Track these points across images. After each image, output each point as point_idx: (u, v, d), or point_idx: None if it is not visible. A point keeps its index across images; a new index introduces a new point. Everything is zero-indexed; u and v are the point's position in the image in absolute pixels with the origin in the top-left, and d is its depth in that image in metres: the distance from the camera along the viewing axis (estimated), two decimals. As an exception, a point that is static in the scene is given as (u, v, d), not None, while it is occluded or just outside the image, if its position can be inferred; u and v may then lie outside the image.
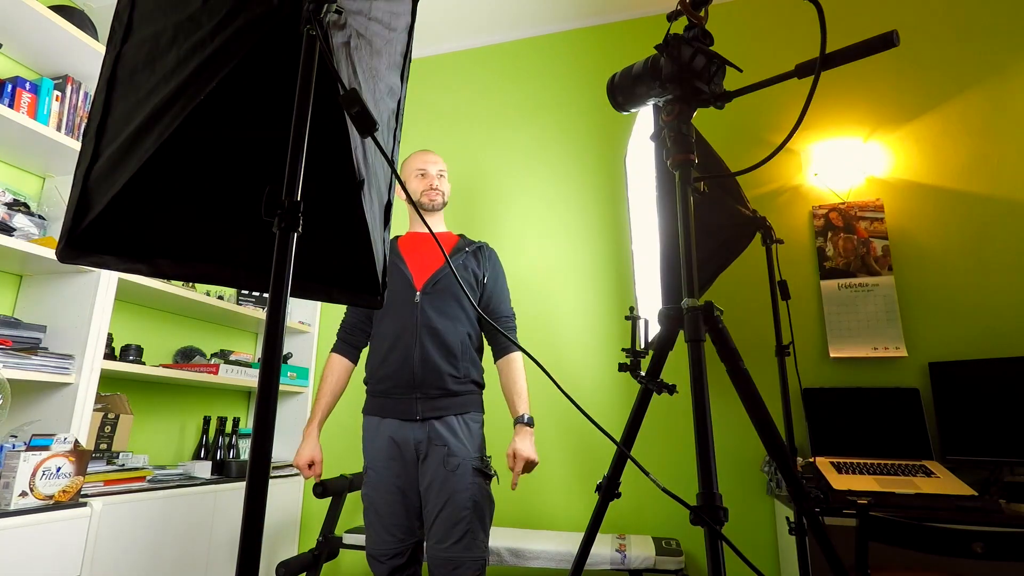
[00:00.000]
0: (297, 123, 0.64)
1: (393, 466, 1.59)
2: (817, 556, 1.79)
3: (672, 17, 0.94)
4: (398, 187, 1.80)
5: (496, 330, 1.65)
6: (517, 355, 1.72)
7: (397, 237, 1.86)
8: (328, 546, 2.15)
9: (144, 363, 2.19)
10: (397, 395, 1.61)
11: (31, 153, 2.03)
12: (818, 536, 0.87)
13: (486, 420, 1.74)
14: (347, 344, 1.81)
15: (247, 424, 2.83)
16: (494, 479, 1.63)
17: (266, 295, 2.88)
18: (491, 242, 2.75)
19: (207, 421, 2.49)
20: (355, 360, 1.82)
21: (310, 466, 1.64)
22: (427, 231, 1.79)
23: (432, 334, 1.62)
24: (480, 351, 1.74)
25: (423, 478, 1.58)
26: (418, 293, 1.66)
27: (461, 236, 1.86)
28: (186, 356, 2.54)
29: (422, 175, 1.81)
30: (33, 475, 1.58)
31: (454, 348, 1.63)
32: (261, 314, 2.67)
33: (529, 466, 1.59)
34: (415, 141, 3.06)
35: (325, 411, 1.71)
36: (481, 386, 1.72)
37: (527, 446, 1.59)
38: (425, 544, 1.57)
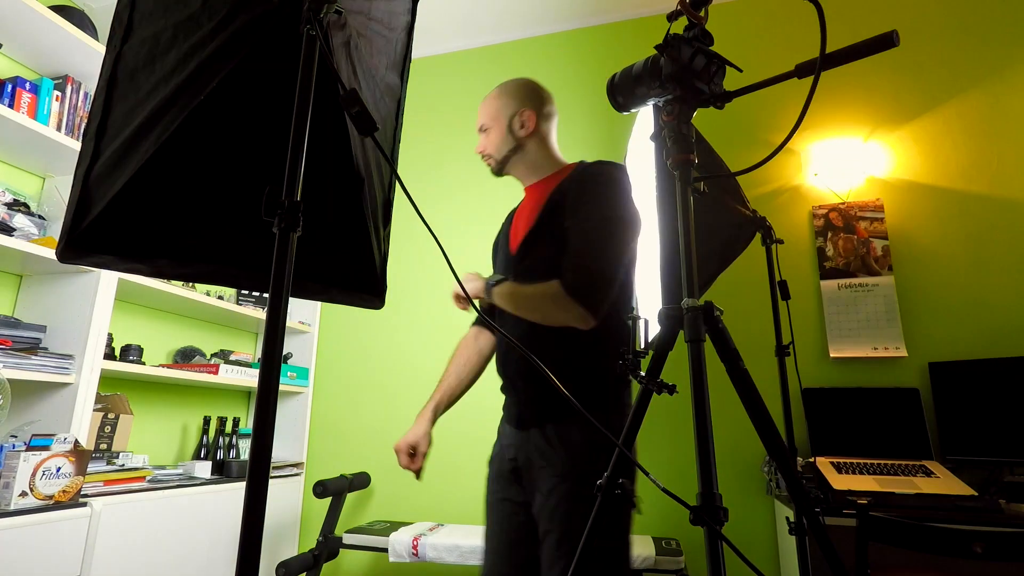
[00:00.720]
0: (297, 123, 0.64)
1: (498, 481, 1.31)
2: (817, 556, 1.79)
3: (672, 17, 0.94)
4: None
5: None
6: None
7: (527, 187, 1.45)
8: (328, 546, 2.15)
9: (144, 363, 2.19)
10: (506, 395, 1.34)
11: (31, 153, 2.03)
12: (818, 536, 0.87)
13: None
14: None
15: (247, 424, 2.83)
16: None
17: (266, 295, 2.88)
18: (490, 242, 2.74)
19: (207, 421, 2.49)
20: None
21: (411, 455, 1.28)
22: (534, 179, 1.40)
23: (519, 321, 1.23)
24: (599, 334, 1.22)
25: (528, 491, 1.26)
26: (512, 256, 1.34)
27: (575, 167, 1.34)
28: (186, 356, 2.53)
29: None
30: (33, 475, 1.58)
31: (551, 337, 1.21)
32: (261, 314, 2.67)
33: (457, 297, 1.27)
34: (415, 141, 3.06)
35: (444, 393, 1.36)
36: (598, 377, 1.25)
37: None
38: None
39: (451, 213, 2.88)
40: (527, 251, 1.30)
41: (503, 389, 1.35)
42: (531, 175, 1.40)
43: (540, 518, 1.20)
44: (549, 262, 1.21)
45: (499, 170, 1.43)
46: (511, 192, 2.82)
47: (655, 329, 0.96)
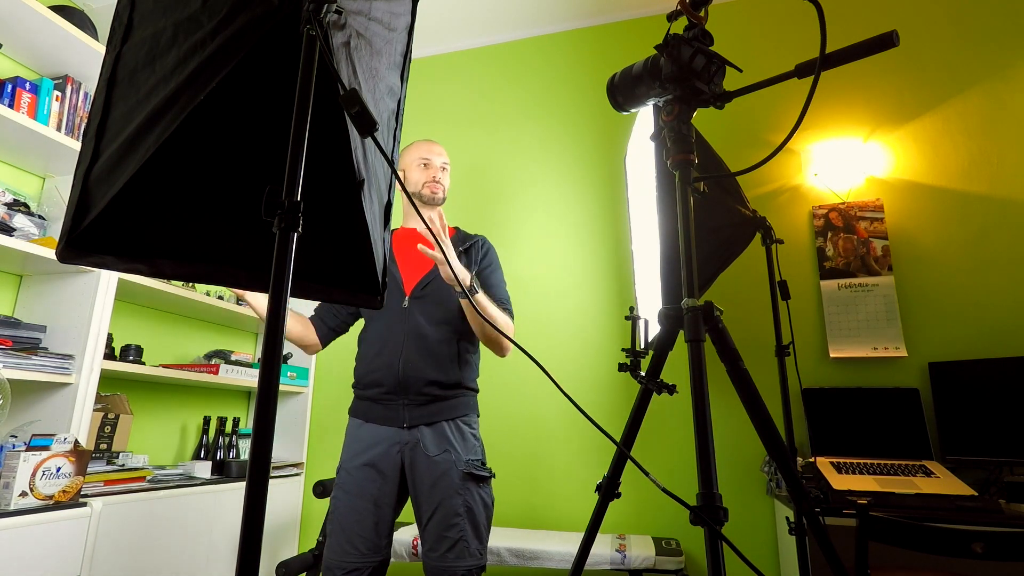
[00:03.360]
0: (297, 123, 0.64)
1: (370, 474, 1.49)
2: (817, 556, 1.79)
3: (672, 17, 0.94)
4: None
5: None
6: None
7: (391, 231, 1.79)
8: (328, 546, 2.15)
9: (144, 363, 2.19)
10: (384, 401, 1.54)
11: (31, 153, 2.03)
12: (818, 536, 0.87)
13: (481, 423, 1.68)
14: (318, 317, 1.71)
15: (247, 424, 2.83)
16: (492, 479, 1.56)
17: (266, 295, 2.88)
18: (490, 241, 2.75)
19: (207, 421, 2.49)
20: (319, 331, 1.70)
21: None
22: (422, 227, 1.73)
23: (420, 341, 1.53)
24: (475, 354, 1.67)
25: (412, 484, 1.50)
26: (407, 298, 1.58)
27: (457, 230, 1.76)
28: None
29: (425, 165, 1.71)
30: (33, 475, 1.58)
31: (443, 355, 1.55)
32: (261, 314, 2.67)
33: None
34: (415, 140, 3.06)
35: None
36: (475, 390, 1.64)
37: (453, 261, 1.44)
38: (420, 550, 1.50)
39: (450, 213, 2.87)
40: (427, 282, 1.62)
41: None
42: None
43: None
44: (446, 294, 1.59)
45: (440, 203, 1.73)
46: (508, 192, 2.83)
47: (655, 329, 0.96)
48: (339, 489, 1.52)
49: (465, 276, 1.46)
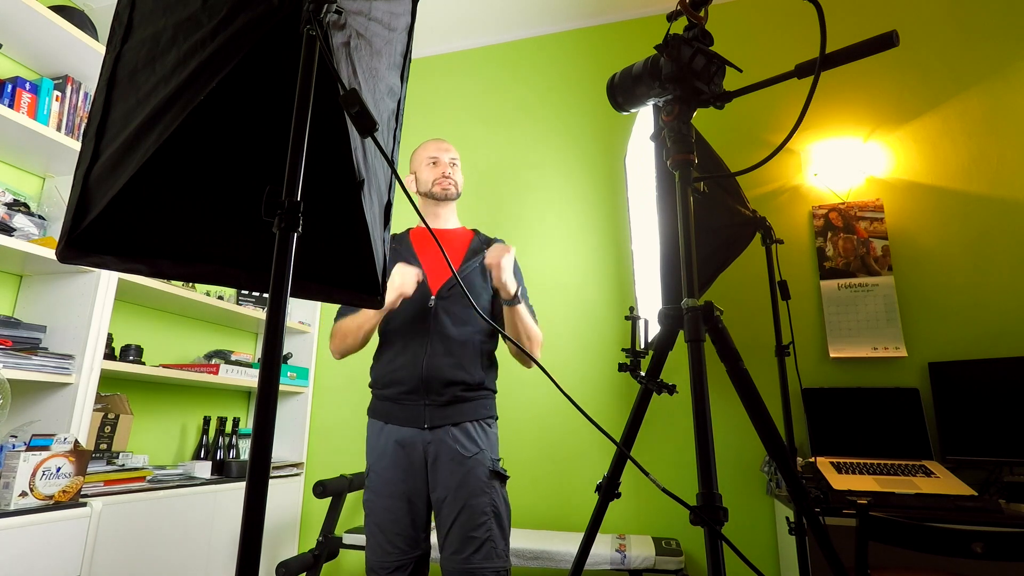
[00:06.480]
0: (297, 123, 0.64)
1: (398, 472, 1.47)
2: (817, 556, 1.79)
3: (672, 17, 0.94)
4: (408, 178, 1.77)
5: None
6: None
7: (409, 229, 1.74)
8: (328, 546, 2.15)
9: (144, 363, 2.19)
10: (405, 402, 1.52)
11: (31, 153, 2.03)
12: (818, 536, 0.87)
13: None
14: None
15: (247, 424, 2.83)
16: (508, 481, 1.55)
17: (266, 295, 2.88)
18: (491, 242, 2.75)
19: (207, 421, 2.49)
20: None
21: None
22: (444, 225, 1.71)
23: (445, 341, 1.52)
24: (495, 355, 1.65)
25: (434, 485, 1.47)
26: (433, 298, 1.55)
27: (476, 232, 1.75)
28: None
29: (433, 163, 1.70)
30: (33, 475, 1.58)
31: (468, 356, 1.54)
32: (261, 314, 2.67)
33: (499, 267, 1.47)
34: (415, 140, 3.06)
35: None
36: (495, 391, 1.62)
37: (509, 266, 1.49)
38: (440, 554, 1.46)
39: (451, 213, 2.87)
40: (454, 283, 1.59)
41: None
42: (451, 219, 1.74)
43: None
44: (472, 295, 1.58)
45: (453, 199, 1.71)
46: (507, 192, 2.83)
47: (655, 329, 0.96)
48: (370, 492, 1.51)
49: (515, 285, 1.51)
